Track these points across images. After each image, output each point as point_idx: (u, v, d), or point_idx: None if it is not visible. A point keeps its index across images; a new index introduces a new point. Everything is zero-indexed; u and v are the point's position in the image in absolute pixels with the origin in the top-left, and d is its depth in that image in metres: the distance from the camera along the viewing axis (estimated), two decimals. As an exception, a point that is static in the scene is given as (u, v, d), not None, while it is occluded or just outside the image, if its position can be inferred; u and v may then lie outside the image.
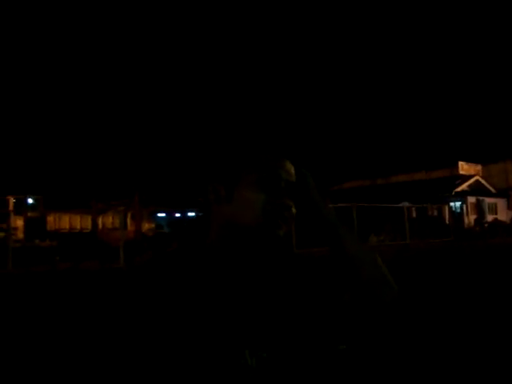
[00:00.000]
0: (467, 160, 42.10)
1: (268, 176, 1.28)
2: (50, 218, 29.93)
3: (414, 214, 31.86)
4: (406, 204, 30.65)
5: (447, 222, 32.92)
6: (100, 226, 30.38)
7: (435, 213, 33.46)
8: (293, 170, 1.33)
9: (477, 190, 39.56)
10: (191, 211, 29.71)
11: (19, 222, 27.35)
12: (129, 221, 31.10)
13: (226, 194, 1.30)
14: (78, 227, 30.87)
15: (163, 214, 33.21)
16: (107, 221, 31.10)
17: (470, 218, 36.21)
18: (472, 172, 41.61)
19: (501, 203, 41.09)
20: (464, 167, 41.27)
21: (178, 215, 32.58)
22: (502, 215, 39.37)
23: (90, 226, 30.77)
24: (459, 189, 38.07)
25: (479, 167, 43.13)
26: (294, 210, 1.31)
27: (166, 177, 32.65)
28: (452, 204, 35.35)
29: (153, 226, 29.43)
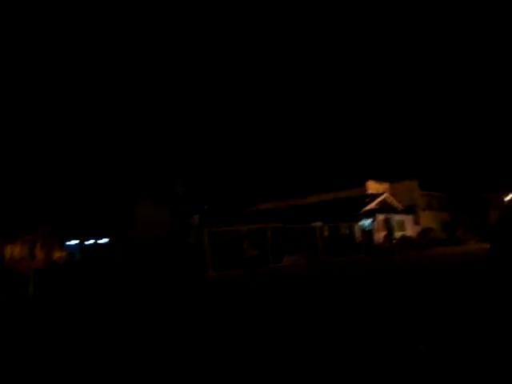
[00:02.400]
0: (375, 179, 43.72)
1: (164, 188, 1.38)
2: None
3: (327, 233, 32.77)
4: (319, 223, 31.48)
5: (358, 239, 34.06)
6: (8, 255, 29.16)
7: (346, 231, 34.53)
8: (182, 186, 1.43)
9: (385, 207, 41.13)
10: (103, 238, 29.12)
11: None
12: (38, 249, 30.05)
13: (126, 216, 1.38)
14: (-16, 258, 29.47)
15: (75, 242, 32.35)
16: (15, 250, 29.90)
17: (380, 235, 37.54)
18: (380, 190, 43.17)
19: (408, 219, 42.93)
20: (372, 186, 42.79)
21: (90, 242, 31.85)
22: (410, 231, 41.15)
23: (-4, 256, 29.45)
24: (368, 207, 39.42)
25: (387, 186, 44.85)
26: (196, 217, 1.41)
27: (77, 204, 31.85)
28: (362, 222, 36.58)
29: (64, 254, 28.57)
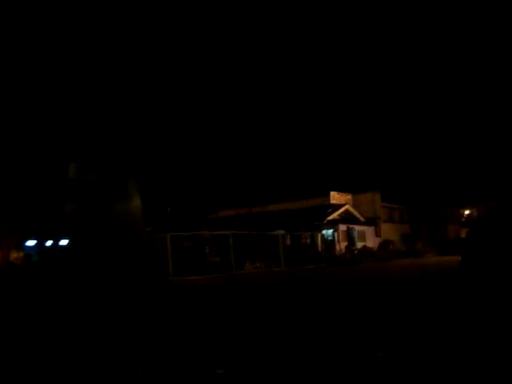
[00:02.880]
0: (338, 190, 44.09)
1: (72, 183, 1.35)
2: None
3: (289, 242, 32.90)
4: (281, 232, 31.55)
5: (320, 248, 34.27)
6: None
7: (308, 240, 34.73)
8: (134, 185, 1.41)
9: (347, 218, 41.55)
10: (63, 239, 28.59)
11: None
12: (-6, 250, 29.29)
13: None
14: None
15: (34, 242, 31.69)
16: (-30, 250, 29.10)
17: (341, 245, 37.90)
18: (343, 201, 43.57)
19: (369, 231, 43.44)
20: (335, 197, 43.16)
21: (49, 243, 31.27)
22: (370, 242, 41.64)
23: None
24: (331, 217, 39.75)
25: (349, 197, 45.30)
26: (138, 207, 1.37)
27: (36, 203, 31.14)
28: (324, 232, 36.85)
29: (21, 254, 27.93)
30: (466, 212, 50.73)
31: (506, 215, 7.17)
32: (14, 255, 27.04)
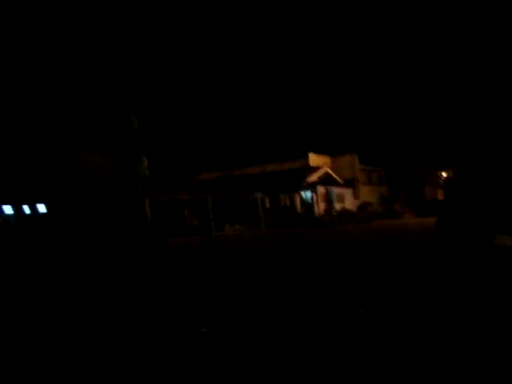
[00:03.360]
0: (317, 152, 44.08)
1: (112, 135, 1.25)
2: None
3: (268, 204, 32.93)
4: (260, 194, 31.57)
5: (299, 211, 34.42)
6: None
7: (288, 202, 34.82)
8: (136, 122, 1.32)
9: (326, 180, 41.67)
10: (41, 202, 28.23)
11: None
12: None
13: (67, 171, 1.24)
14: None
15: (10, 208, 31.20)
16: None
17: (320, 207, 38.10)
18: (321, 164, 43.62)
19: (348, 193, 43.72)
20: (314, 159, 43.14)
21: (26, 208, 30.81)
22: (349, 204, 41.96)
23: None
24: (310, 179, 39.81)
25: (328, 159, 45.36)
26: (145, 161, 1.30)
27: (9, 163, 30.42)
28: (303, 194, 36.93)
29: (-1, 221, 27.50)
30: (444, 174, 51.16)
31: (472, 176, 7.23)
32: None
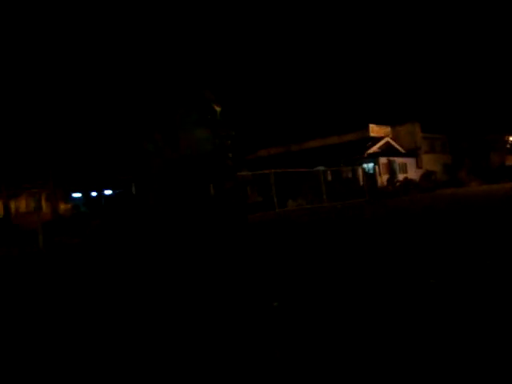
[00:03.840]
0: (376, 122, 43.38)
1: (207, 112, 1.31)
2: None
3: (330, 177, 32.70)
4: (321, 168, 31.37)
5: (361, 182, 34.02)
6: (13, 210, 29.23)
7: (349, 175, 34.47)
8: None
9: (387, 151, 41.02)
10: (108, 189, 29.11)
11: None
12: (44, 203, 30.09)
13: (166, 142, 1.30)
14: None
15: (79, 194, 32.38)
16: (21, 204, 29.98)
17: (383, 178, 37.58)
18: (382, 134, 42.95)
19: (410, 163, 42.88)
20: (374, 129, 42.52)
21: (94, 194, 31.88)
22: (412, 174, 41.15)
23: (1, 212, 29.53)
24: (371, 150, 39.30)
25: (388, 129, 44.58)
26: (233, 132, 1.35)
27: (80, 155, 31.64)
28: (365, 165, 36.48)
29: (69, 206, 28.61)
30: (511, 138, 49.21)
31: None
32: (62, 206, 27.72)
